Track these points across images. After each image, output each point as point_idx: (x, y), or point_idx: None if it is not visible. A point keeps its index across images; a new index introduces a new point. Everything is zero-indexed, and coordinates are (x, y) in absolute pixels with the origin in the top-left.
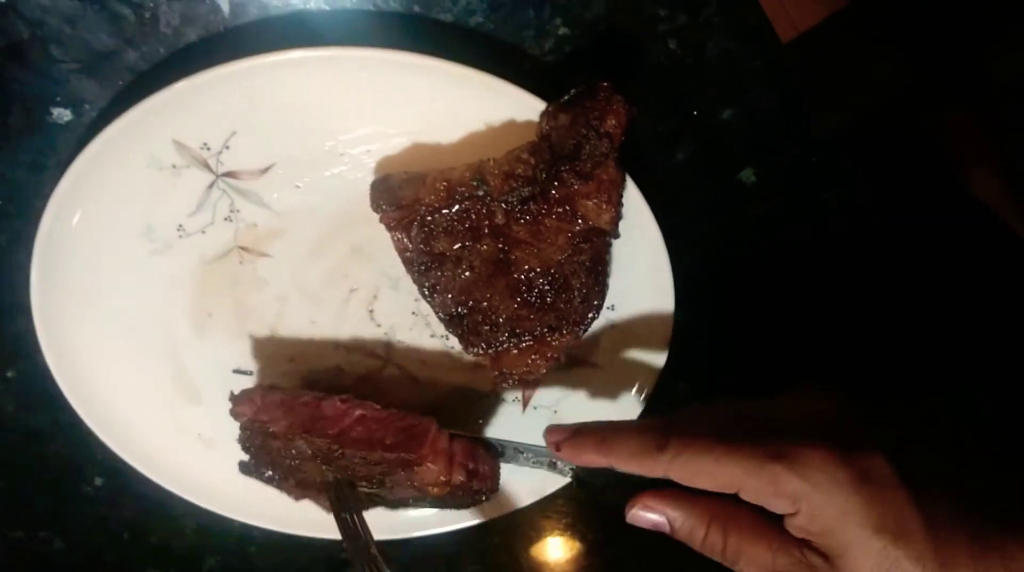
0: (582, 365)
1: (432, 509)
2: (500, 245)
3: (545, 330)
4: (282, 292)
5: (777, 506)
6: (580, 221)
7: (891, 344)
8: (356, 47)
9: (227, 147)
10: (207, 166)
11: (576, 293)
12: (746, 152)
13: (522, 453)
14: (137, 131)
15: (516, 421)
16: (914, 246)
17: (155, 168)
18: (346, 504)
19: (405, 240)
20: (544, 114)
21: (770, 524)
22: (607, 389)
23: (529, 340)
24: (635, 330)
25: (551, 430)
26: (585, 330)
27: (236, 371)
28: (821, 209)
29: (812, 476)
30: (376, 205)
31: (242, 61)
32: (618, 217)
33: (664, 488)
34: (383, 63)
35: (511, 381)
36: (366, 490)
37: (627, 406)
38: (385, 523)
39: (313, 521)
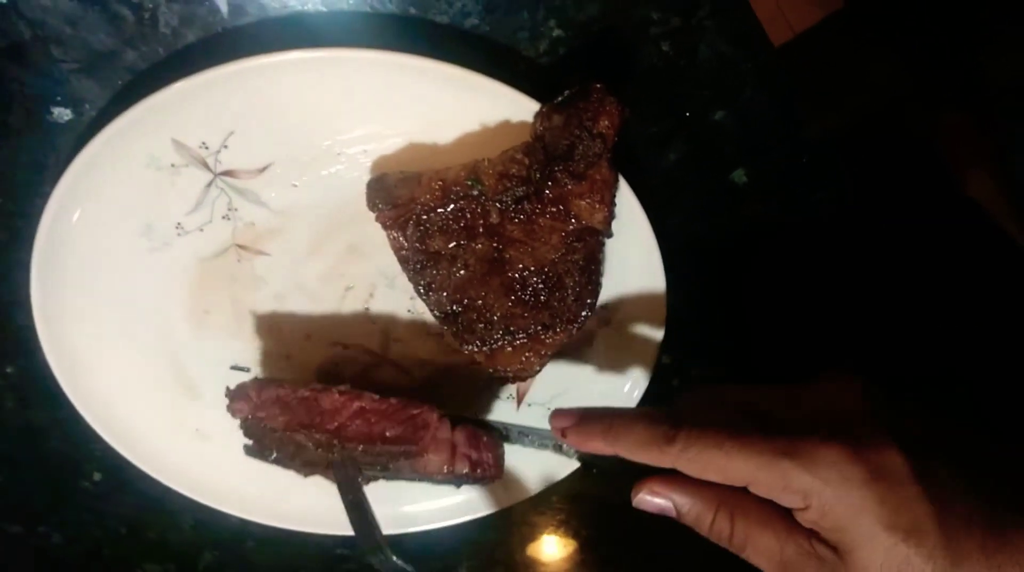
0: (576, 363)
1: (429, 505)
2: (495, 244)
3: (539, 328)
4: (279, 290)
5: (787, 501)
6: (574, 220)
7: (886, 344)
8: (353, 48)
9: (225, 146)
10: (205, 165)
11: (570, 291)
12: (738, 153)
13: (526, 436)
14: (136, 130)
15: (510, 419)
16: (908, 247)
17: (154, 167)
18: (351, 486)
19: (401, 239)
20: (538, 115)
21: (779, 512)
22: (601, 387)
23: (523, 338)
24: (628, 328)
25: (556, 415)
26: (579, 328)
27: (234, 368)
28: (813, 210)
29: (823, 473)
30: (372, 204)
31: (240, 62)
32: (611, 217)
33: (671, 473)
34: (380, 64)
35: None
36: (370, 473)
37: (621, 403)
38: (381, 519)
39: (310, 517)
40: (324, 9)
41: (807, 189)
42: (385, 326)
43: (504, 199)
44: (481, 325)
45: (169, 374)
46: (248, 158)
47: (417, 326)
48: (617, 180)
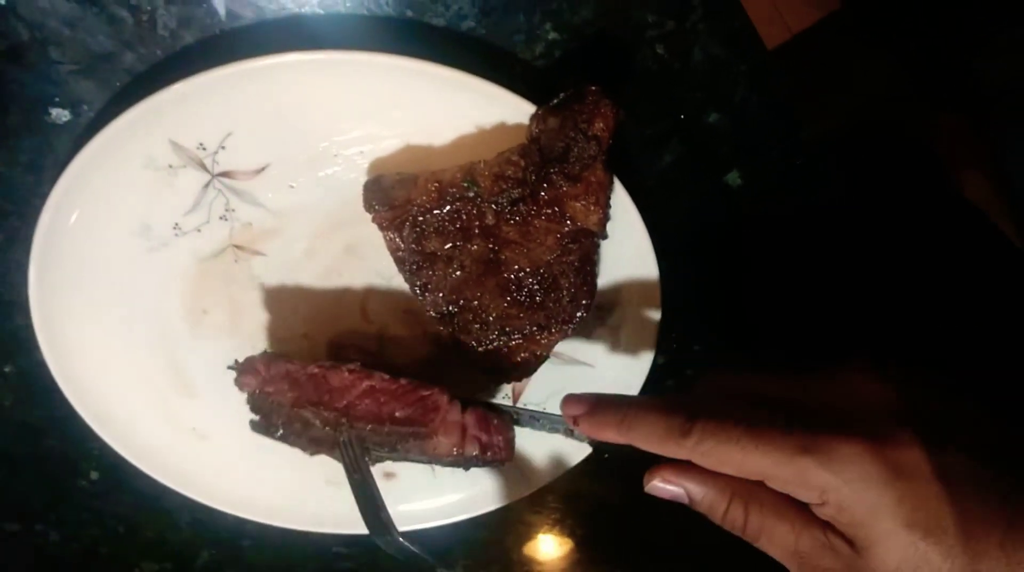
0: (571, 363)
1: (422, 504)
2: (490, 245)
3: (534, 329)
4: (276, 290)
5: (805, 496)
6: (569, 222)
7: (884, 345)
8: (350, 51)
9: (223, 147)
10: (203, 166)
11: (565, 292)
12: (732, 155)
13: (537, 420)
14: (134, 132)
15: None
16: (904, 248)
17: (152, 168)
18: (357, 466)
19: (397, 240)
20: (534, 117)
21: (794, 503)
22: (596, 387)
23: (519, 338)
24: (623, 329)
25: (568, 402)
26: (574, 329)
27: (231, 367)
28: (808, 211)
29: (842, 470)
30: (369, 205)
31: (238, 64)
32: (606, 218)
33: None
34: (377, 66)
35: (502, 378)
36: (377, 454)
37: None
38: None
39: (307, 515)
40: (321, 11)
41: (802, 191)
42: (381, 326)
43: (500, 200)
44: (477, 325)
45: (166, 373)
46: (245, 159)
47: (413, 326)
48: (612, 182)
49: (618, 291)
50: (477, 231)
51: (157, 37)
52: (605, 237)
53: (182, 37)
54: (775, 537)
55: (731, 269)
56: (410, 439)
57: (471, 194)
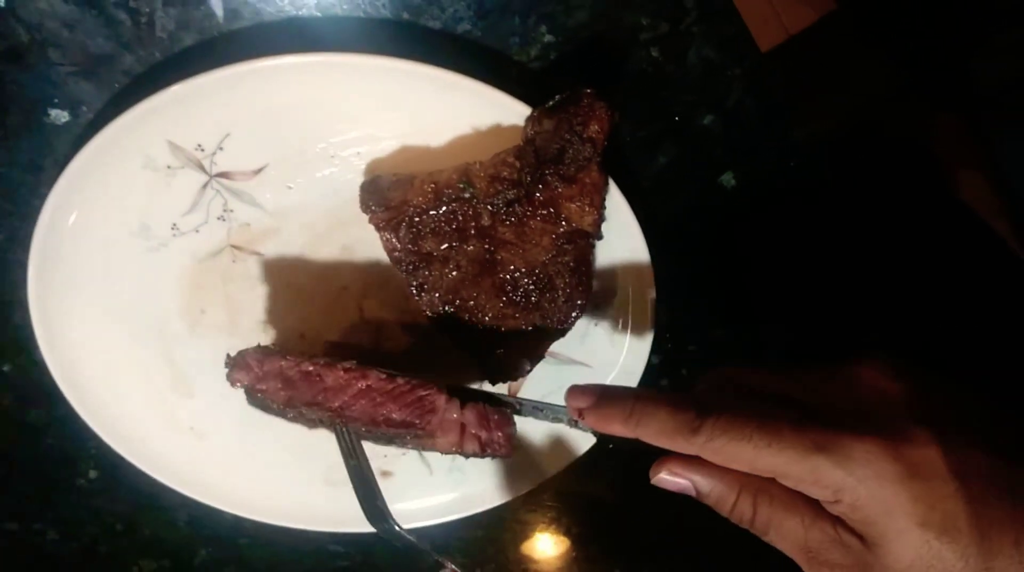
0: (567, 363)
1: (418, 503)
2: (486, 246)
3: (530, 328)
4: (274, 290)
5: (817, 494)
6: (564, 223)
7: (878, 343)
8: (347, 53)
9: (221, 148)
10: (201, 167)
11: (560, 292)
12: (726, 156)
13: (540, 410)
14: (133, 132)
15: None
16: (899, 249)
17: (150, 168)
18: (354, 452)
19: (394, 240)
20: (529, 119)
21: (804, 497)
22: None
23: (515, 338)
24: (618, 329)
25: (573, 393)
26: (569, 329)
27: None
28: (802, 212)
29: (857, 469)
30: (366, 206)
31: (236, 65)
32: (601, 219)
33: None
34: (373, 68)
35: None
36: (374, 444)
37: None
38: None
39: (304, 513)
40: (319, 14)
41: (796, 192)
42: (378, 326)
43: (495, 202)
44: (473, 325)
45: (164, 373)
46: (243, 160)
47: (409, 326)
48: (607, 183)
49: (613, 291)
50: (473, 232)
51: (156, 39)
52: (600, 238)
53: (180, 39)
54: (784, 531)
55: (726, 269)
56: (407, 437)
57: (467, 195)
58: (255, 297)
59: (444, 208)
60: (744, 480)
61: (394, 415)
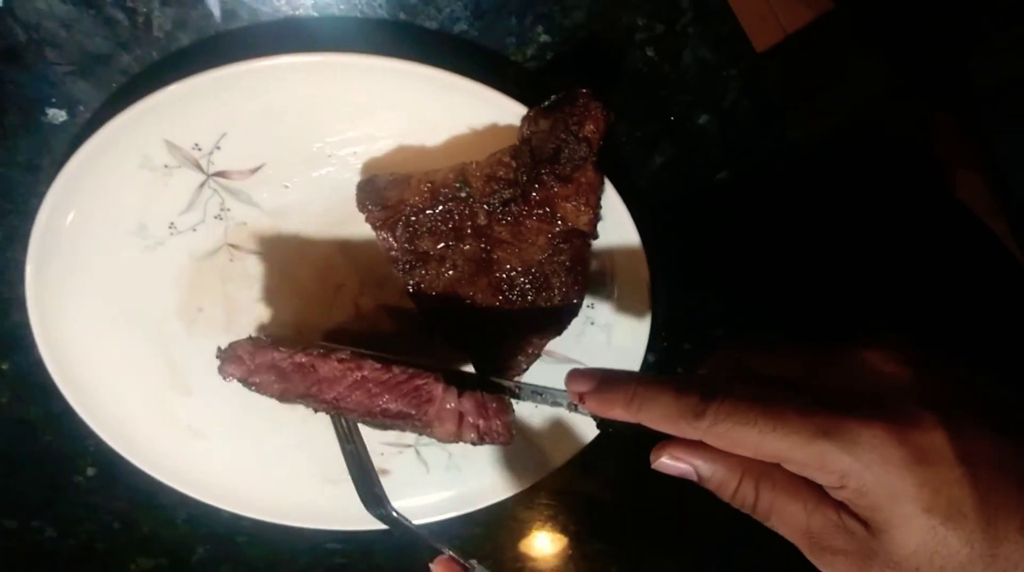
0: (562, 361)
1: (415, 500)
2: (482, 245)
3: (526, 327)
4: (271, 288)
5: (822, 480)
6: (560, 222)
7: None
8: (344, 53)
9: (218, 148)
10: (198, 166)
11: (556, 291)
12: (723, 156)
13: (540, 394)
14: (130, 132)
15: None
16: (896, 249)
17: (148, 168)
18: (351, 437)
19: (390, 239)
20: (525, 119)
21: (807, 482)
22: None
23: (510, 337)
24: (614, 327)
25: (574, 377)
26: (565, 327)
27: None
28: (798, 212)
29: (863, 455)
30: (362, 205)
31: (233, 65)
32: (596, 219)
33: None
34: (370, 68)
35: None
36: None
37: None
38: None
39: (302, 511)
40: (315, 14)
41: (793, 192)
42: (374, 324)
43: (491, 201)
44: (469, 324)
45: (162, 371)
46: (240, 159)
47: (406, 325)
48: (603, 183)
49: (608, 290)
50: (469, 231)
51: (153, 39)
52: (596, 237)
53: (178, 39)
54: (786, 516)
55: (721, 269)
56: (404, 427)
57: (463, 194)
58: (252, 295)
59: (440, 207)
60: (746, 465)
61: (391, 406)
